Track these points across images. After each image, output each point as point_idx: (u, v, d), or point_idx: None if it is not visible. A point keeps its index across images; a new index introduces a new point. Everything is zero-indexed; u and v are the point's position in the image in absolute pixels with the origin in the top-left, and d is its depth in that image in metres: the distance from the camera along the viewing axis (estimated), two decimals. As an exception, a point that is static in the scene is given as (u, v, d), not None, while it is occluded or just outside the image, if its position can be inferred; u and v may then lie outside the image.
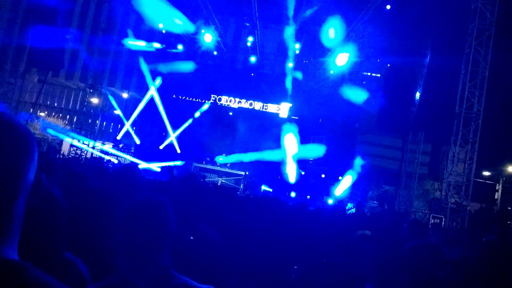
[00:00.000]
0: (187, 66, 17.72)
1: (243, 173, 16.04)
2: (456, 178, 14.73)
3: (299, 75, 17.36)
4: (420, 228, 4.15)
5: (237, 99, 18.81)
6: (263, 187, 15.33)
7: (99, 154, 18.17)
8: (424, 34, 15.88)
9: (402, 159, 18.44)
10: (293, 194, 14.62)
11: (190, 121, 18.16)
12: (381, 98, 18.37)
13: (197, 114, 18.00)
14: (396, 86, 17.94)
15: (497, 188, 20.99)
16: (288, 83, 17.80)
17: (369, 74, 18.88)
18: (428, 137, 18.39)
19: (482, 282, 2.72)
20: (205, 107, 18.11)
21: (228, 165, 16.64)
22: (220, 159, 16.73)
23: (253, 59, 17.18)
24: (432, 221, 14.14)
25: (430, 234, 5.91)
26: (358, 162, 14.04)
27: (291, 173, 14.42)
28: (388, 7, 13.15)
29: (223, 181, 16.83)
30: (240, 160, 16.72)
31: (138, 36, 21.77)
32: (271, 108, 18.68)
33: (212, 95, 18.68)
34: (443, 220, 13.74)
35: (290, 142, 14.19)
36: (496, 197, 21.50)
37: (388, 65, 18.43)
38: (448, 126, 15.01)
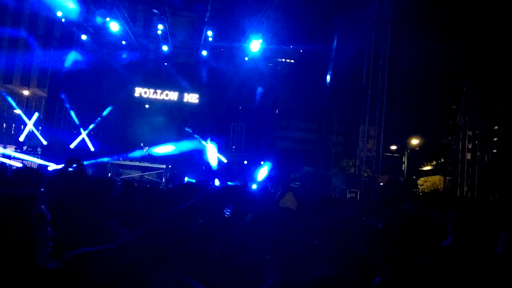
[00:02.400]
0: (95, 56, 16.61)
1: (164, 166, 15.55)
2: (367, 154, 15.82)
3: (214, 63, 17.18)
4: (331, 203, 4.28)
5: (152, 90, 18.10)
6: (186, 179, 15.05)
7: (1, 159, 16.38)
8: (330, 19, 16.57)
9: (319, 141, 19.27)
10: (217, 182, 14.57)
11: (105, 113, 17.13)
12: (296, 83, 18.97)
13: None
14: (309, 71, 18.59)
15: (403, 160, 23.03)
16: (204, 72, 17.56)
17: (283, 60, 19.32)
18: (341, 118, 19.41)
19: (398, 247, 2.86)
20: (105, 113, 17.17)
21: (146, 149, 15.91)
22: (146, 149, 16.02)
23: (165, 48, 16.57)
24: (349, 195, 15.07)
25: (344, 208, 6.19)
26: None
27: (212, 158, 14.40)
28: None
29: (147, 176, 16.24)
30: (162, 153, 16.17)
31: (34, 27, 19.88)
32: (188, 97, 18.30)
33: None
34: (358, 193, 14.67)
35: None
36: (403, 169, 23.61)
37: (301, 51, 19.00)
38: (358, 106, 15.99)
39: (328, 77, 17.28)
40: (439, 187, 22.97)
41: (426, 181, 23.91)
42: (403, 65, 17.55)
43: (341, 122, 19.72)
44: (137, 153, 16.13)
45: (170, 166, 16.02)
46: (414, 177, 20.46)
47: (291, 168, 17.94)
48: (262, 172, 13.72)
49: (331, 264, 2.58)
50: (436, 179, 23.37)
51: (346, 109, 18.38)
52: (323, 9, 15.94)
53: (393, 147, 22.70)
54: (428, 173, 22.74)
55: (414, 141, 23.22)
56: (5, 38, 20.95)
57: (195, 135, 16.32)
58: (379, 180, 15.90)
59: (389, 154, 21.34)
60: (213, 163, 14.94)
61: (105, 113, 17.01)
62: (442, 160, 22.66)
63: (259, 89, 17.20)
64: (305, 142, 19.67)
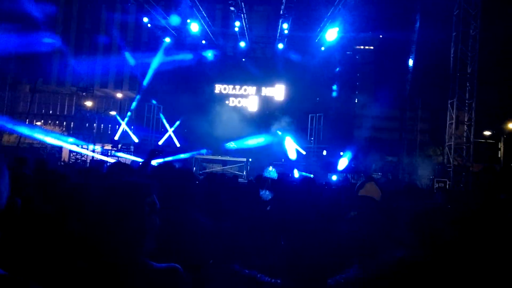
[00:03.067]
0: (178, 57, 17.64)
1: (244, 159, 16.05)
2: (456, 140, 14.77)
3: (291, 55, 17.26)
4: (415, 192, 4.17)
5: (231, 86, 18.75)
6: (271, 168, 15.39)
7: (99, 157, 18.18)
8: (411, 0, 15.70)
9: (402, 128, 18.43)
10: (296, 174, 14.71)
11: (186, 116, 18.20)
12: (376, 70, 18.31)
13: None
14: (390, 56, 17.82)
15: (499, 147, 21.04)
16: (281, 65, 17.71)
17: (362, 47, 18.76)
18: (425, 103, 18.34)
19: (486, 238, 2.72)
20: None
21: (232, 144, 16.57)
22: (232, 144, 16.75)
23: (242, 44, 17.03)
24: (437, 185, 14.21)
25: (435, 197, 5.93)
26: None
27: (291, 150, 14.56)
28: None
29: (229, 169, 16.88)
30: (245, 146, 16.75)
31: (124, 34, 21.65)
32: (266, 91, 18.63)
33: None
34: (447, 183, 13.80)
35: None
36: (499, 156, 21.57)
37: (380, 36, 18.29)
38: (445, 90, 14.97)
39: (411, 61, 16.40)
40: (543, 175, 20.63)
41: (527, 169, 21.62)
42: (496, 43, 16.04)
43: (426, 108, 18.64)
44: (220, 148, 16.85)
45: (250, 160, 16.46)
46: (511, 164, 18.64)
47: (373, 158, 17.41)
48: (343, 163, 13.55)
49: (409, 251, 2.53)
50: (539, 166, 21.02)
51: (431, 94, 17.30)
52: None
53: (487, 133, 20.83)
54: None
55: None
56: (99, 45, 23.13)
57: (277, 130, 16.63)
58: (471, 169, 14.78)
59: (482, 140, 19.67)
60: (292, 155, 15.06)
61: (187, 113, 18.01)
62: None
63: (337, 78, 16.91)
64: (386, 130, 18.95)
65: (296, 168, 14.40)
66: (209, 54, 17.99)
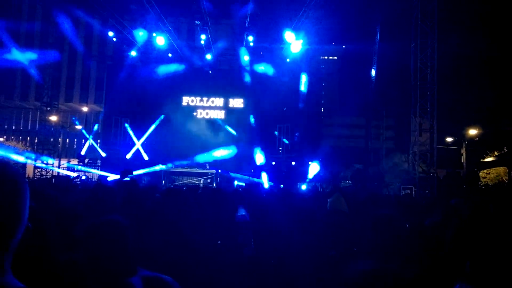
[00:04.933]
0: (144, 70, 17.49)
1: (214, 171, 15.96)
2: (420, 148, 15.21)
3: (257, 67, 17.41)
4: (373, 202, 4.26)
5: (198, 98, 18.70)
6: (236, 183, 15.35)
7: (65, 172, 17.69)
8: (372, 12, 16.18)
9: (368, 136, 18.83)
10: (266, 185, 14.74)
11: (153, 127, 17.99)
12: (341, 79, 18.71)
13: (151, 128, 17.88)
14: (353, 66, 18.27)
15: (461, 153, 21.80)
16: (247, 76, 17.81)
17: (326, 57, 19.14)
18: (390, 111, 18.85)
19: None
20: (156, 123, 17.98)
21: (207, 166, 16.52)
22: (207, 167, 16.63)
23: (208, 56, 17.06)
24: (403, 192, 14.53)
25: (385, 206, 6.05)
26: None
27: (259, 159, 14.65)
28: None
29: (196, 182, 16.72)
30: (214, 158, 16.69)
31: (89, 48, 21.29)
32: (233, 102, 18.68)
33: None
34: (413, 189, 14.13)
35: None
36: (462, 161, 22.33)
37: (343, 46, 18.72)
38: (407, 99, 15.44)
39: (373, 72, 16.86)
40: (504, 178, 21.47)
41: (489, 173, 22.45)
42: (454, 52, 16.72)
43: (391, 116, 19.14)
44: (188, 160, 16.70)
45: (220, 171, 16.39)
46: (476, 169, 19.27)
47: (340, 166, 17.68)
48: (312, 171, 13.68)
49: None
50: (501, 170, 21.87)
51: (395, 102, 17.82)
52: (364, 3, 15.62)
53: (449, 139, 21.55)
54: (490, 164, 21.29)
55: (472, 131, 21.88)
56: (64, 59, 22.66)
57: (245, 141, 16.69)
58: (435, 175, 15.21)
59: (444, 146, 20.33)
60: (260, 161, 15.13)
61: (156, 123, 17.85)
62: (506, 150, 21.17)
63: (303, 89, 17.15)
64: (353, 138, 19.32)
65: (265, 173, 14.41)
66: (176, 67, 17.92)
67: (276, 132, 17.67)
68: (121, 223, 1.72)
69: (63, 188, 6.25)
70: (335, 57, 18.58)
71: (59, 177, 16.20)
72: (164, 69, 17.80)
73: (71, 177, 15.31)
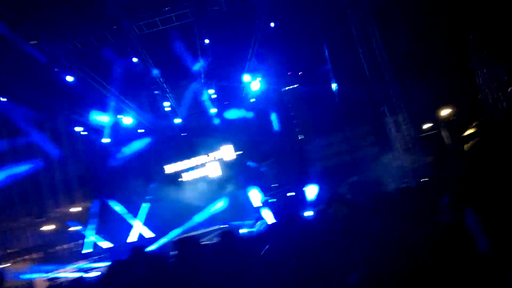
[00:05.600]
0: (120, 153, 17.72)
1: (217, 226, 15.83)
2: (401, 141, 15.55)
3: (226, 115, 17.87)
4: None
5: (181, 162, 18.88)
6: (241, 231, 15.18)
7: (77, 275, 17.20)
8: (315, 34, 17.00)
9: (351, 149, 19.09)
10: (269, 218, 14.62)
11: (146, 205, 17.97)
12: (307, 103, 19.19)
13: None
14: (315, 88, 18.81)
15: (442, 135, 22.12)
16: (220, 127, 18.22)
17: (287, 88, 19.77)
18: (364, 118, 19.24)
19: None
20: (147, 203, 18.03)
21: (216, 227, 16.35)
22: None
23: (177, 120, 17.47)
24: (403, 185, 14.57)
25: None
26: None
27: (257, 200, 14.65)
28: (272, 24, 14.04)
29: (206, 242, 16.41)
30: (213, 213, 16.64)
31: (62, 149, 21.40)
32: (215, 155, 18.89)
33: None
34: (407, 182, 14.24)
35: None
36: (446, 143, 22.62)
37: (300, 73, 19.42)
38: (373, 101, 15.92)
39: (334, 86, 17.49)
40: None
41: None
42: (402, 45, 17.45)
43: (366, 122, 19.54)
44: (192, 223, 16.56)
45: (225, 225, 16.25)
46: (459, 145, 19.46)
47: (336, 183, 17.74)
48: (310, 194, 13.71)
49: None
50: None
51: (363, 108, 18.29)
52: (303, 31, 16.40)
53: (426, 126, 21.95)
54: (473, 135, 21.53)
55: (445, 112, 22.37)
56: (41, 169, 22.65)
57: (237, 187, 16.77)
58: (425, 162, 15.44)
59: (424, 134, 20.69)
60: (257, 204, 15.11)
61: (147, 202, 17.81)
62: (483, 117, 21.60)
63: (275, 122, 17.59)
64: (338, 154, 19.52)
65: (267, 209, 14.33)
66: (149, 140, 18.23)
67: (250, 163, 17.72)
68: None
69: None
70: (296, 85, 19.20)
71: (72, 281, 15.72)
72: (139, 145, 18.07)
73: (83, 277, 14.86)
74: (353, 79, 16.48)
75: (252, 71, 15.60)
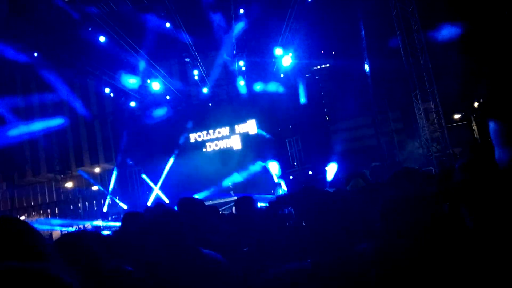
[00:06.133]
0: (146, 117, 17.88)
1: (235, 197, 15.95)
2: (430, 129, 15.17)
3: (254, 88, 17.72)
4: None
5: (205, 132, 18.95)
6: (259, 205, 15.26)
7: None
8: (353, 11, 16.50)
9: (377, 133, 18.80)
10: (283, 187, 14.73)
11: (166, 170, 18.17)
12: (338, 85, 18.86)
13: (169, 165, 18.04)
14: (346, 68, 18.42)
15: (472, 127, 21.55)
16: (247, 100, 18.11)
17: (318, 67, 19.42)
18: (392, 103, 18.86)
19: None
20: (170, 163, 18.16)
21: (232, 193, 16.55)
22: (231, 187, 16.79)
23: (205, 90, 17.43)
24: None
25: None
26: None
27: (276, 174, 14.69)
28: (309, -1, 13.63)
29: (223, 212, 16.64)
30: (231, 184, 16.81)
31: (89, 109, 21.77)
32: (239, 129, 18.87)
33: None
34: (432, 171, 13.97)
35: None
36: (475, 136, 22.04)
37: (333, 52, 19.00)
38: (406, 86, 15.50)
39: (367, 67, 17.06)
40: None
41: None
42: (442, 30, 16.80)
43: (394, 107, 19.15)
44: (208, 193, 16.78)
45: (242, 197, 16.39)
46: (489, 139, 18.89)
47: (358, 167, 17.57)
48: (330, 172, 13.62)
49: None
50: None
51: (395, 93, 17.87)
52: (342, 6, 15.93)
53: (457, 116, 21.41)
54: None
55: (478, 104, 21.70)
56: (67, 126, 23.18)
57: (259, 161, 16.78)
58: (451, 152, 15.09)
59: (454, 124, 20.20)
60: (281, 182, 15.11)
61: (169, 165, 18.05)
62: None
63: (303, 100, 17.36)
64: (363, 138, 19.27)
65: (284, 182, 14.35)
66: (176, 107, 18.32)
67: (272, 138, 17.66)
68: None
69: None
70: (327, 65, 18.83)
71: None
72: (165, 112, 18.17)
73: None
74: (387, 62, 16.02)
75: (285, 46, 15.31)
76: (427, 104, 15.35)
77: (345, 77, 18.53)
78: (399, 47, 15.06)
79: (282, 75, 17.17)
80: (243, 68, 16.48)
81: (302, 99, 17.58)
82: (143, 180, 18.45)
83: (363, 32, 16.09)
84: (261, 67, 17.09)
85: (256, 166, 16.68)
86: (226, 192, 16.57)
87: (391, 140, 19.08)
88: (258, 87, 17.54)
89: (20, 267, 0.88)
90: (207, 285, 2.39)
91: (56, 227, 17.88)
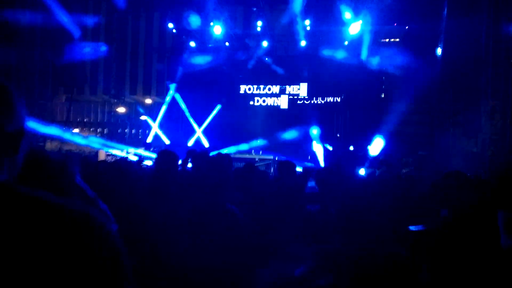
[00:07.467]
0: (203, 60, 17.92)
1: (271, 157, 16.03)
2: (491, 130, 14.11)
3: (314, 51, 17.11)
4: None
5: (255, 86, 18.82)
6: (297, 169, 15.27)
7: (134, 158, 18.71)
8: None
9: (433, 122, 17.80)
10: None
11: (212, 115, 18.47)
12: (403, 62, 17.77)
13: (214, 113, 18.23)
14: (417, 47, 17.23)
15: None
16: (304, 62, 17.60)
17: (386, 40, 18.31)
18: (458, 94, 17.60)
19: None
20: (215, 111, 18.28)
21: (260, 152, 16.67)
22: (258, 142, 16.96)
23: (265, 43, 17.05)
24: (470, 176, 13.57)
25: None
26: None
27: (317, 146, 14.48)
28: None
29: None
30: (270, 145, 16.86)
31: (150, 41, 22.17)
32: (289, 90, 18.55)
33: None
34: (482, 174, 13.16)
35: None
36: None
37: (407, 27, 17.77)
38: (476, 80, 14.33)
39: (439, 50, 15.85)
40: None
41: None
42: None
43: (458, 99, 17.86)
44: (247, 146, 16.96)
45: (277, 158, 16.43)
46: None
47: (403, 152, 16.91)
48: (375, 148, 13.23)
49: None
50: None
51: (463, 84, 16.60)
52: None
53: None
54: None
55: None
56: (127, 54, 23.88)
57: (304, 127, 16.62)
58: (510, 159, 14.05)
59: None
60: (318, 150, 14.93)
61: (215, 111, 18.32)
62: None
63: (362, 73, 16.60)
64: (417, 124, 18.36)
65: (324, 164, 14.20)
66: (233, 56, 18.19)
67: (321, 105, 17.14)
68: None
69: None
70: (397, 39, 17.69)
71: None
72: (221, 58, 18.12)
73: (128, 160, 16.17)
74: (464, 49, 14.77)
75: (356, 11, 14.46)
76: (496, 102, 14.19)
77: (413, 56, 17.38)
78: (481, 33, 13.78)
79: (346, 43, 16.38)
80: (308, 28, 15.85)
81: (361, 72, 16.82)
82: (188, 120, 18.91)
83: (445, 11, 14.80)
84: (327, 31, 16.35)
85: (298, 130, 16.52)
86: (260, 149, 16.68)
87: (446, 132, 18.03)
88: (319, 52, 16.90)
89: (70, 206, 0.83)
90: (227, 233, 2.66)
91: (104, 147, 18.93)
